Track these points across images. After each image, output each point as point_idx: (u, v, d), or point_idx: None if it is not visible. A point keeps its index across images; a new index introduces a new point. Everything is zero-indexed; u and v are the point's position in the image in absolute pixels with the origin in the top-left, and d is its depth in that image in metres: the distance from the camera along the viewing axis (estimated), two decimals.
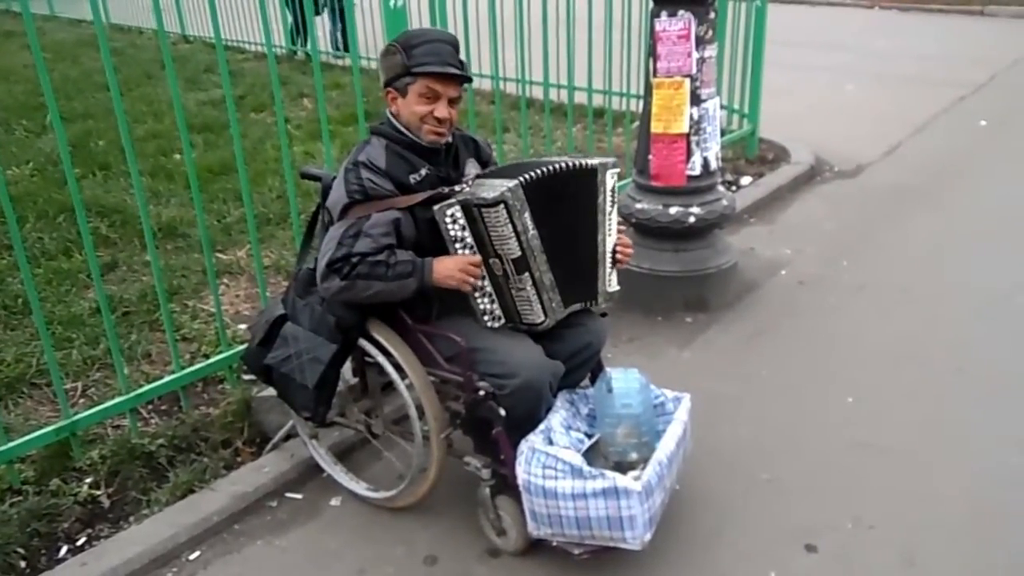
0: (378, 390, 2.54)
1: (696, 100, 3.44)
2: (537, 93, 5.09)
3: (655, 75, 3.46)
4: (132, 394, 2.74)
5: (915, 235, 4.50)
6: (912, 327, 3.50)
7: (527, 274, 2.19)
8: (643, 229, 3.66)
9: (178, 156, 5.72)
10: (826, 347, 3.38)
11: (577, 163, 2.26)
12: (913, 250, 4.30)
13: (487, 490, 2.30)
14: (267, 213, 4.66)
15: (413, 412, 2.28)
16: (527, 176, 2.15)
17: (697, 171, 3.52)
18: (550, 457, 2.12)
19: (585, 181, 2.28)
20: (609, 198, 2.33)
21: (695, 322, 3.58)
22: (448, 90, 2.22)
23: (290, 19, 9.50)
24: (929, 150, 6.06)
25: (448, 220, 2.17)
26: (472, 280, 2.17)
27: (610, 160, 2.34)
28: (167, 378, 2.87)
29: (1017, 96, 7.61)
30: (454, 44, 2.28)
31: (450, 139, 2.33)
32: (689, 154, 3.49)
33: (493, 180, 2.21)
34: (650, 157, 3.55)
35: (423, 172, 2.24)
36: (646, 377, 2.39)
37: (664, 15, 3.37)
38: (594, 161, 2.30)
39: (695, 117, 3.45)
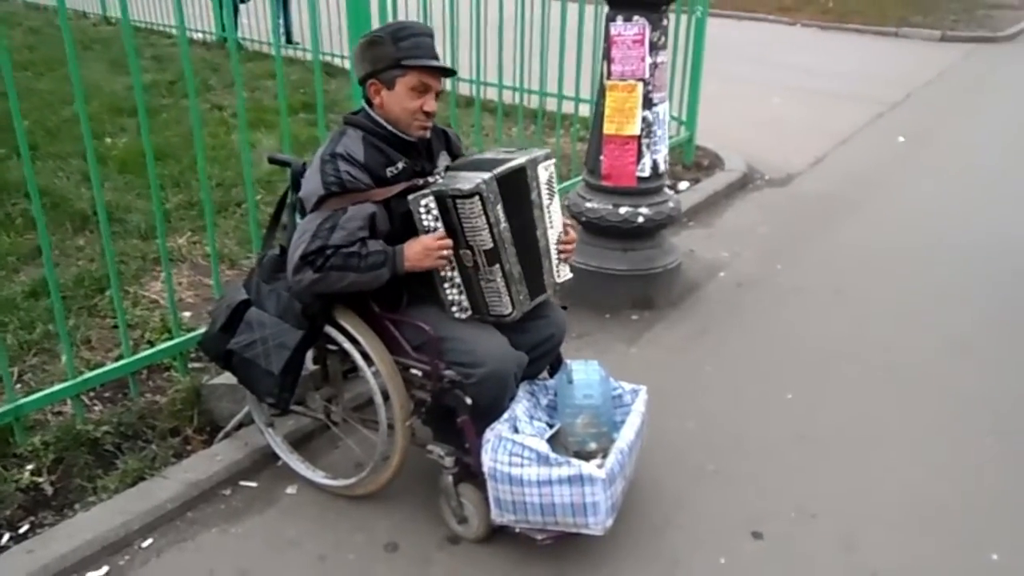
0: (339, 377, 2.53)
1: (648, 104, 3.53)
2: (489, 94, 5.13)
3: (609, 78, 3.54)
4: (79, 379, 2.66)
5: (844, 241, 4.73)
6: (845, 327, 3.69)
7: (498, 266, 2.23)
8: (593, 228, 3.74)
9: (109, 140, 5.54)
10: (765, 346, 3.52)
11: (534, 155, 2.30)
12: (843, 255, 4.52)
13: (450, 478, 2.33)
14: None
15: (379, 399, 2.29)
16: (500, 169, 2.19)
17: (647, 173, 3.62)
18: (517, 445, 2.17)
19: (526, 175, 2.31)
20: (545, 191, 2.36)
21: (642, 319, 3.68)
22: (436, 84, 2.25)
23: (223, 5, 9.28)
24: (853, 162, 6.35)
25: (422, 210, 2.19)
26: (445, 255, 2.19)
27: (540, 153, 2.34)
28: (116, 363, 2.79)
29: (931, 115, 8.03)
30: (432, 36, 2.31)
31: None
32: (640, 156, 3.59)
33: (466, 172, 2.24)
34: (601, 158, 3.63)
35: (400, 165, 2.25)
36: (606, 369, 2.46)
37: (619, 19, 3.45)
38: (537, 153, 2.33)
39: (647, 120, 3.55)
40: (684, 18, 5.49)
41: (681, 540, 2.40)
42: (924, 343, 3.56)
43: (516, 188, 2.25)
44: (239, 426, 2.75)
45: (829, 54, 11.55)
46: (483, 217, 2.16)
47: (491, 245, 2.20)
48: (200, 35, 9.51)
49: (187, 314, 3.46)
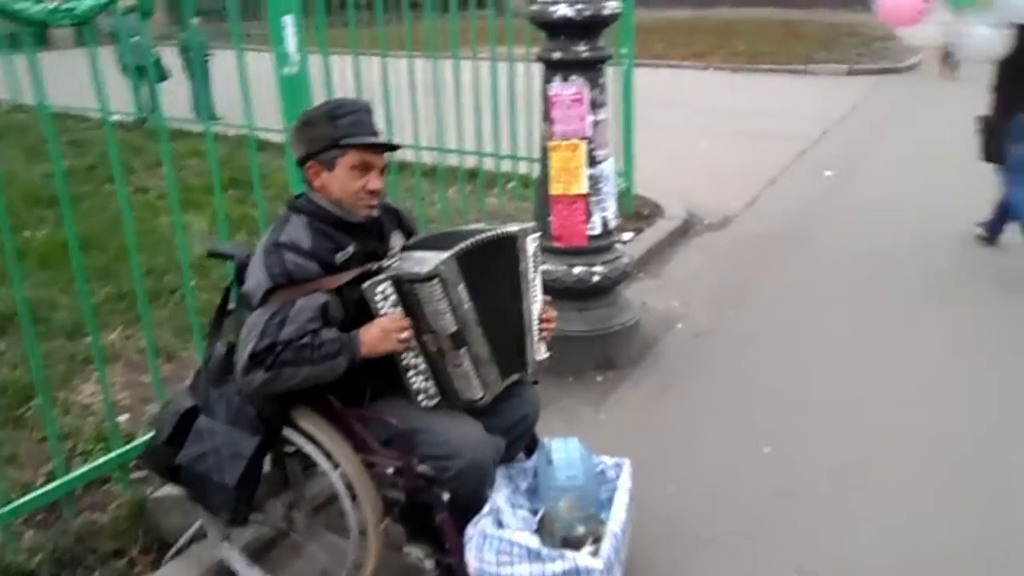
0: (300, 480, 2.34)
1: (593, 161, 3.48)
2: (420, 157, 5.05)
3: (551, 138, 3.49)
4: (8, 507, 2.41)
5: (791, 281, 4.75)
6: (807, 371, 3.65)
7: (464, 349, 2.10)
8: (547, 290, 3.61)
9: (28, 232, 5.25)
10: (732, 398, 3.45)
11: (503, 230, 2.21)
12: (792, 297, 4.52)
13: None
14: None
15: (347, 503, 2.11)
16: (459, 247, 2.07)
17: (597, 230, 3.56)
18: (504, 542, 2.02)
19: (508, 248, 2.23)
20: (531, 264, 2.29)
21: (605, 380, 3.58)
22: (379, 161, 2.13)
23: (140, 85, 9.07)
24: (786, 201, 6.45)
25: (379, 297, 2.05)
26: (405, 337, 2.05)
27: (529, 225, 2.30)
28: (50, 485, 2.54)
29: (852, 148, 8.26)
30: (371, 112, 2.20)
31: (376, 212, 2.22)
32: (589, 214, 3.52)
33: (421, 253, 2.13)
34: (550, 218, 3.55)
35: (350, 249, 2.12)
36: (585, 445, 2.33)
37: (557, 80, 3.41)
38: (514, 228, 2.26)
39: (593, 177, 3.49)
40: (611, 70, 5.51)
41: None
42: (889, 382, 3.53)
43: (482, 266, 2.13)
44: (191, 541, 2.52)
45: (745, 95, 11.87)
46: (445, 300, 2.03)
47: (455, 328, 2.07)
48: (117, 116, 9.23)
49: (124, 418, 3.22)
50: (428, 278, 2.00)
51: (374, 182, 2.13)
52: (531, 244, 2.28)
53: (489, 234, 2.16)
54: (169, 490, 2.64)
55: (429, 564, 2.15)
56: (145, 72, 8.82)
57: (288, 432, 2.13)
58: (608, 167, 3.57)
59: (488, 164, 5.38)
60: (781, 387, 3.52)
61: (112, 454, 2.67)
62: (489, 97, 4.91)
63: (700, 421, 3.27)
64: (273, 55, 2.93)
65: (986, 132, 4.80)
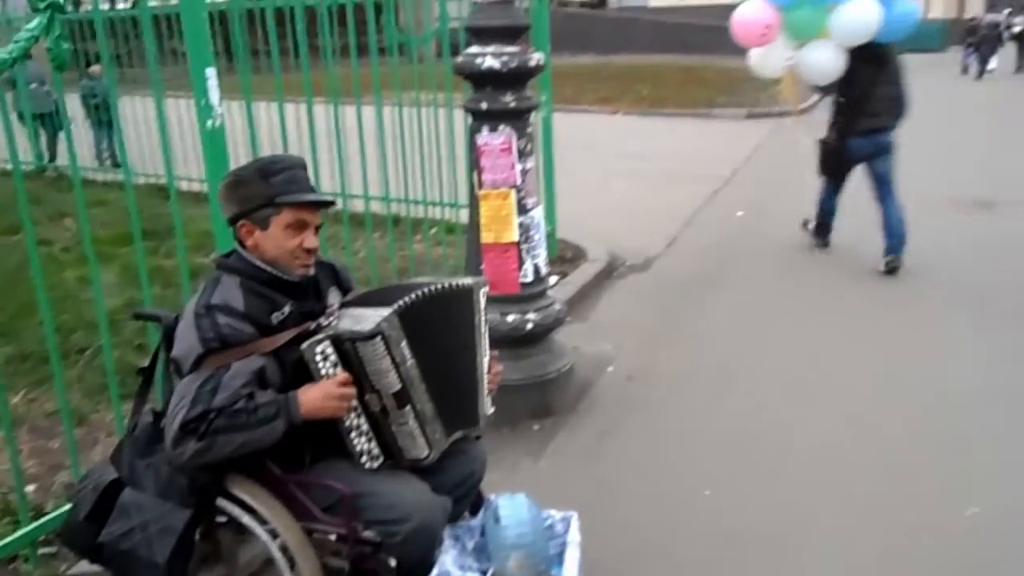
0: (234, 552, 2.21)
1: (523, 209, 3.48)
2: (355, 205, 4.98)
3: (481, 187, 3.47)
4: None
5: (716, 319, 4.85)
6: (741, 409, 3.70)
7: (408, 407, 2.03)
8: None
9: None
10: (669, 441, 3.46)
11: (451, 283, 2.17)
12: (719, 335, 4.61)
13: None
14: (42, 351, 4.06)
15: (287, 575, 2.00)
16: (401, 303, 2.02)
17: (530, 278, 3.55)
18: None
19: (460, 302, 2.19)
20: (483, 318, 2.25)
21: (542, 429, 3.54)
22: (314, 218, 2.06)
23: (40, 134, 8.70)
24: (703, 240, 6.62)
25: (318, 358, 1.97)
26: (346, 404, 1.97)
27: (481, 279, 2.28)
28: None
29: (760, 187, 8.58)
30: (306, 167, 2.13)
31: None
32: (521, 262, 3.51)
33: (361, 309, 2.06)
34: (482, 267, 3.52)
35: (286, 309, 2.03)
36: (533, 500, 2.28)
37: (485, 130, 3.41)
38: (468, 281, 2.23)
39: (524, 225, 3.49)
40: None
41: None
42: (822, 418, 3.61)
43: (425, 321, 2.07)
44: None
45: (654, 138, 12.23)
46: (388, 358, 1.97)
47: (399, 386, 2.00)
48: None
49: (31, 488, 3.00)
50: (370, 336, 1.94)
51: (310, 240, 2.06)
52: (483, 297, 2.24)
53: (431, 288, 2.11)
54: (86, 567, 2.47)
55: None
56: (46, 120, 8.48)
57: (222, 502, 2.01)
58: (538, 214, 3.57)
59: (411, 210, 5.35)
60: (716, 427, 3.55)
61: (21, 530, 2.47)
62: (403, 143, 4.92)
63: (640, 466, 3.26)
64: (195, 107, 2.84)
65: (823, 152, 5.67)
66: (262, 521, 2.00)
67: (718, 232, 6.88)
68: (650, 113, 15.34)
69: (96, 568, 2.33)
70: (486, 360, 2.28)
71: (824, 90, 5.71)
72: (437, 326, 2.11)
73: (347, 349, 1.96)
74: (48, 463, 3.21)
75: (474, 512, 2.38)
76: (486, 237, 3.50)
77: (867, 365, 4.14)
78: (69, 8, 2.28)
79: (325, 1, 4.26)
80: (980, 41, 23.12)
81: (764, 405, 3.73)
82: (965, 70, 23.82)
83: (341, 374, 1.96)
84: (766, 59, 5.55)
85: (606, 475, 3.20)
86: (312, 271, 2.12)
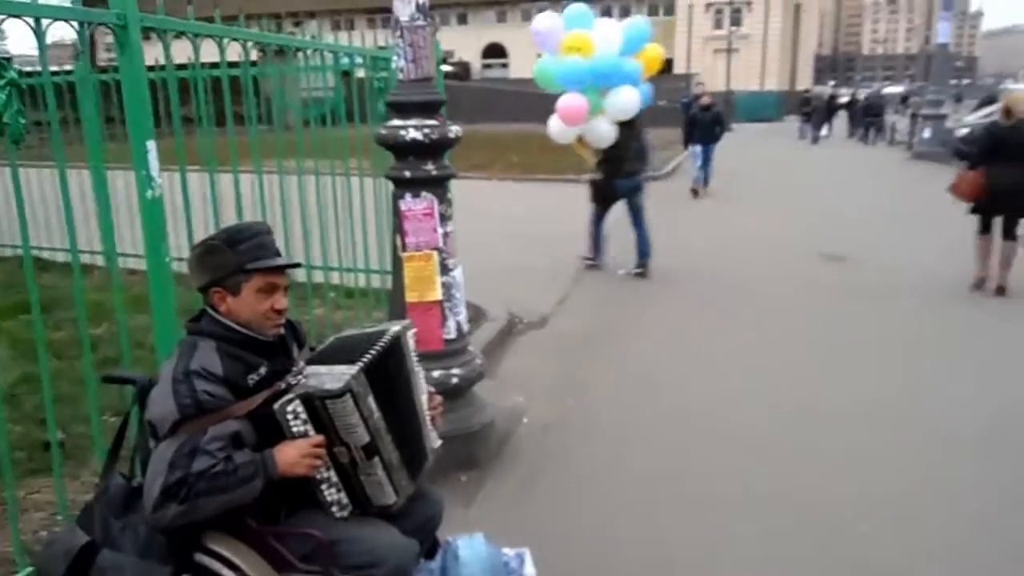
0: None
1: (445, 270, 3.69)
2: None
3: (404, 250, 3.66)
4: None
5: (614, 372, 5.18)
6: (652, 455, 3.98)
7: (376, 458, 2.16)
8: None
9: None
10: (589, 482, 3.70)
11: (391, 332, 2.33)
12: (619, 384, 4.95)
13: None
14: None
15: None
16: (365, 360, 2.16)
17: (452, 334, 3.74)
18: None
19: (401, 348, 2.35)
20: (414, 358, 2.41)
21: (470, 480, 3.69)
22: (283, 280, 2.20)
23: None
24: (591, 298, 7.03)
25: (290, 416, 2.07)
26: (319, 463, 2.09)
27: (406, 322, 2.46)
28: None
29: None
30: (271, 232, 2.27)
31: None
32: (444, 319, 3.70)
33: (326, 368, 2.18)
34: None
35: (262, 371, 2.14)
36: (489, 540, 2.44)
37: (408, 196, 3.62)
38: (397, 326, 2.40)
39: (446, 285, 3.69)
40: None
41: None
42: (729, 452, 3.96)
43: (384, 370, 2.23)
44: None
45: (530, 202, 12.75)
46: (356, 414, 2.10)
47: (368, 439, 2.13)
48: None
49: None
50: (340, 394, 2.06)
51: (280, 301, 2.19)
52: (411, 340, 2.41)
53: (384, 341, 2.27)
54: None
55: None
56: None
57: (201, 557, 2.06)
58: (459, 275, 3.79)
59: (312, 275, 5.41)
60: (631, 472, 3.81)
61: None
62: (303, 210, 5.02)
63: (565, 507, 3.47)
64: (136, 178, 2.90)
65: (594, 189, 8.10)
66: (242, 574, 2.06)
67: (604, 291, 7.32)
68: (522, 179, 15.93)
69: None
70: (424, 397, 2.44)
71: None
72: (393, 376, 2.28)
73: (317, 407, 2.08)
74: None
75: (430, 556, 2.50)
76: (410, 296, 3.67)
77: (760, 391, 4.56)
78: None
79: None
80: (812, 111, 26.10)
81: (670, 455, 4.00)
82: (802, 135, 26.63)
83: (315, 436, 2.07)
84: (563, 131, 7.36)
85: (535, 518, 3.38)
86: (283, 331, 2.24)
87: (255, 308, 2.14)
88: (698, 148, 13.55)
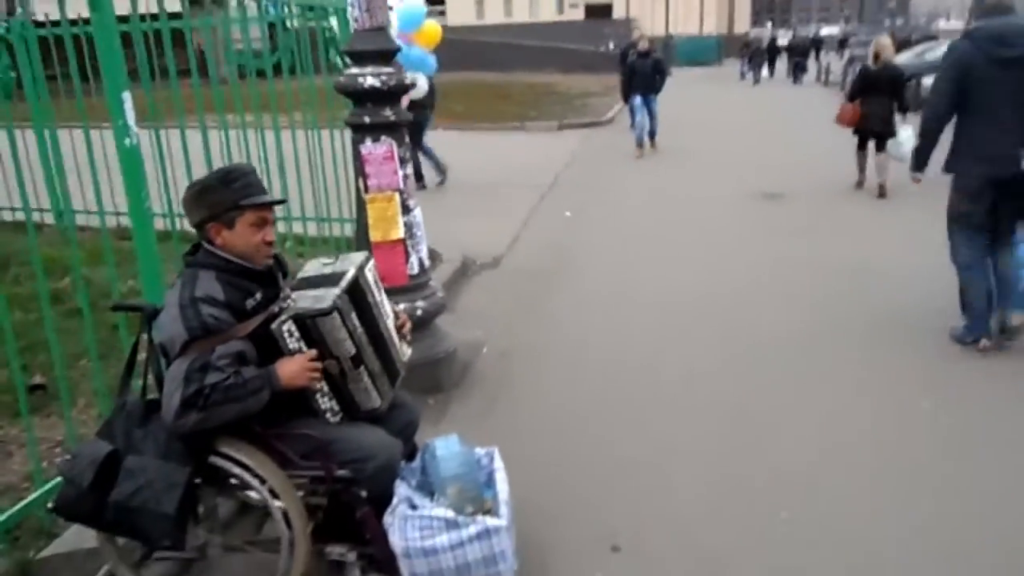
0: (214, 506, 2.54)
1: (406, 210, 3.95)
2: None
3: (367, 192, 3.91)
4: None
5: (563, 304, 5.55)
6: (600, 371, 4.36)
7: (363, 367, 2.46)
8: None
9: None
10: (549, 399, 4.06)
11: (357, 260, 2.62)
12: (567, 314, 5.31)
13: (357, 571, 2.46)
14: None
15: (279, 516, 2.36)
16: (345, 282, 2.45)
17: (416, 270, 4.02)
18: (424, 518, 2.40)
19: (364, 277, 2.63)
20: (375, 289, 2.69)
21: (437, 403, 4.01)
22: (271, 215, 2.45)
23: None
24: (541, 239, 7.34)
25: (286, 335, 2.36)
26: (316, 375, 2.38)
27: (360, 258, 2.70)
28: None
29: (580, 191, 9.47)
30: (257, 173, 2.52)
31: None
32: (407, 256, 3.97)
33: (311, 291, 2.46)
34: None
35: (258, 296, 2.40)
36: (462, 440, 2.77)
37: (368, 141, 3.85)
38: (359, 255, 2.71)
39: (408, 224, 3.96)
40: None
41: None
42: (666, 368, 4.36)
43: (360, 293, 2.52)
44: None
45: (475, 151, 12.88)
46: (343, 329, 2.39)
47: (354, 351, 2.43)
48: None
49: None
50: (328, 312, 2.36)
51: (270, 234, 2.45)
52: (370, 274, 2.68)
53: (353, 269, 2.55)
54: (55, 549, 2.69)
55: (352, 556, 2.46)
56: None
57: (214, 459, 2.35)
58: (419, 214, 4.05)
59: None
60: (583, 384, 4.20)
61: None
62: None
63: (529, 422, 3.82)
64: (113, 128, 3.08)
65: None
66: (253, 473, 2.35)
67: (551, 231, 7.63)
68: (467, 128, 16.02)
69: (64, 549, 2.60)
70: (391, 320, 2.72)
71: None
72: (366, 296, 2.57)
73: (308, 324, 2.37)
74: None
75: (410, 459, 2.82)
76: (374, 236, 3.93)
77: (702, 336, 4.96)
78: None
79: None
80: (753, 54, 27.13)
81: (617, 365, 4.42)
82: (743, 77, 27.76)
83: (310, 351, 2.36)
84: None
85: (501, 431, 3.70)
86: (271, 261, 2.51)
87: (248, 240, 2.40)
88: (638, 100, 12.03)
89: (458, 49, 31.95)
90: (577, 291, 5.82)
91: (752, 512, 3.08)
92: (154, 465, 2.26)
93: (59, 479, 2.82)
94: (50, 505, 2.35)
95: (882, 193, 8.48)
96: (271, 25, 5.33)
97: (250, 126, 4.70)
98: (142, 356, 2.47)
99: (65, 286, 5.50)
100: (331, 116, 5.40)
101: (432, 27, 7.63)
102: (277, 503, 2.36)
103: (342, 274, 2.51)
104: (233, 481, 2.44)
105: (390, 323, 2.70)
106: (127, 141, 3.11)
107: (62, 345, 3.27)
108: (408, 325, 2.81)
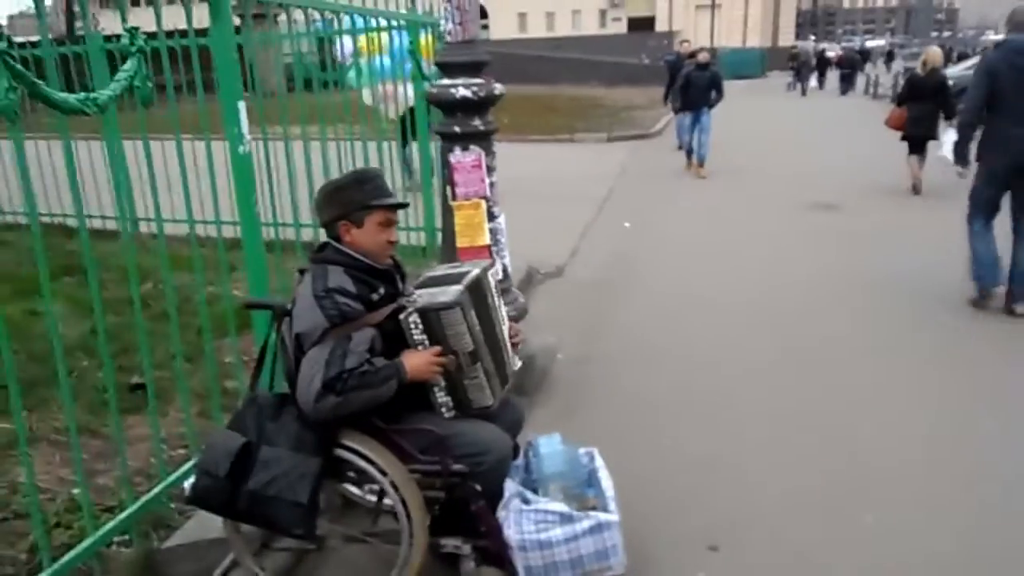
0: (334, 498, 2.65)
1: (491, 217, 4.06)
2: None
3: (455, 199, 4.02)
4: None
5: (633, 314, 5.61)
6: (677, 384, 4.41)
7: (479, 364, 2.56)
8: None
9: None
10: (629, 405, 4.13)
11: (478, 269, 2.73)
12: (640, 325, 5.36)
13: (471, 563, 2.55)
14: (26, 378, 4.22)
15: (400, 509, 2.45)
16: (467, 281, 2.56)
17: (500, 276, 4.11)
18: (539, 512, 2.48)
19: (486, 281, 2.74)
20: (497, 293, 2.80)
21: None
22: (396, 217, 2.57)
23: None
24: (602, 250, 7.42)
25: (412, 326, 2.48)
26: (440, 370, 2.48)
27: (488, 262, 2.84)
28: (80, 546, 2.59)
29: (636, 201, 9.54)
30: (384, 177, 2.65)
31: None
32: (492, 262, 4.07)
33: (434, 288, 2.58)
34: None
35: (381, 291, 2.52)
36: (565, 439, 2.85)
37: (457, 150, 3.97)
38: (485, 263, 2.80)
39: (493, 231, 4.07)
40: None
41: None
42: (738, 377, 4.40)
43: (480, 294, 2.63)
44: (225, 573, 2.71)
45: (527, 163, 12.95)
46: (464, 324, 2.50)
47: (472, 347, 2.53)
48: None
49: (76, 491, 3.24)
50: (451, 306, 2.47)
51: (393, 234, 2.58)
52: (493, 278, 2.79)
53: (476, 271, 2.67)
54: (178, 540, 2.82)
55: (466, 549, 2.54)
56: None
57: (340, 452, 2.46)
58: (503, 221, 4.16)
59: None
60: (660, 391, 4.27)
61: (129, 509, 2.75)
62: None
63: (611, 426, 3.88)
64: (227, 135, 3.22)
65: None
66: (376, 466, 2.45)
67: (613, 242, 7.70)
68: (516, 140, 16.13)
69: (185, 539, 2.73)
70: (506, 327, 2.83)
71: None
72: (486, 298, 2.67)
73: (432, 318, 2.48)
74: (84, 469, 3.44)
75: (514, 457, 2.91)
76: (461, 242, 4.05)
77: (770, 346, 4.99)
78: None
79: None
80: (800, 66, 27.58)
81: (688, 371, 4.49)
82: (790, 88, 28.40)
83: (435, 347, 2.47)
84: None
85: (584, 434, 3.77)
86: (391, 261, 2.62)
87: (375, 239, 2.52)
88: (687, 120, 11.51)
89: (501, 63, 32.32)
90: (642, 300, 5.90)
91: (838, 510, 3.12)
92: (287, 456, 2.37)
93: (179, 472, 2.99)
94: (187, 495, 2.48)
95: (916, 190, 9.30)
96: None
97: (331, 138, 4.87)
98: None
99: (147, 291, 5.69)
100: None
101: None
102: (396, 496, 2.46)
103: (465, 273, 2.63)
104: (351, 474, 2.57)
105: (505, 329, 2.80)
106: (241, 149, 3.25)
107: (152, 347, 3.40)
108: (520, 336, 2.91)
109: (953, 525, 3.03)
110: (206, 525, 2.85)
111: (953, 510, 3.13)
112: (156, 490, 2.88)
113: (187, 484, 3.00)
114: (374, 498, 2.74)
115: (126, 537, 2.92)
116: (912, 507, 3.15)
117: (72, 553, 2.52)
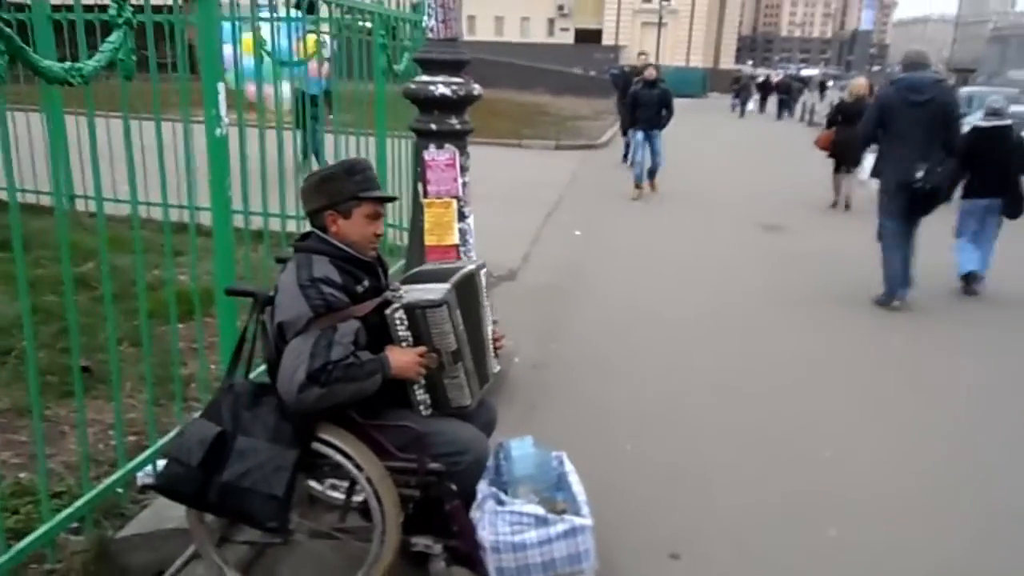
0: (304, 493, 2.60)
1: (461, 217, 4.05)
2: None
3: (426, 196, 4.00)
4: None
5: (584, 319, 5.69)
6: (632, 393, 4.47)
7: (460, 363, 2.55)
8: None
9: None
10: (586, 410, 4.18)
11: (468, 267, 2.72)
12: (593, 332, 5.42)
13: (442, 563, 2.54)
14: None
15: (375, 505, 2.43)
16: (455, 279, 2.55)
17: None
18: (514, 514, 2.48)
19: (477, 280, 2.75)
20: (480, 292, 2.81)
21: None
22: (383, 210, 2.54)
23: None
24: (553, 256, 7.49)
25: (398, 322, 2.45)
26: (423, 370, 2.46)
27: (481, 262, 2.83)
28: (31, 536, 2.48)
29: (586, 209, 9.68)
30: (374, 169, 2.62)
31: None
32: None
33: (422, 286, 2.57)
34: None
35: (366, 283, 2.49)
36: (536, 442, 2.86)
37: (432, 147, 3.95)
38: (475, 264, 2.79)
39: (462, 230, 4.05)
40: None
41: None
42: (696, 386, 4.50)
43: (466, 294, 2.62)
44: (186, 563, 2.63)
45: (476, 166, 13.01)
46: (449, 323, 2.49)
47: (455, 346, 2.52)
48: None
49: (24, 475, 3.12)
50: (438, 304, 2.45)
51: (380, 227, 2.55)
52: (483, 279, 2.80)
53: (466, 270, 2.67)
54: (133, 529, 2.73)
55: (437, 549, 2.53)
56: None
57: (317, 446, 2.41)
58: (472, 222, 4.15)
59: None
60: (618, 397, 4.33)
61: (84, 498, 2.64)
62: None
63: (568, 430, 3.89)
64: (205, 117, 3.13)
65: None
66: (351, 459, 2.42)
67: (563, 248, 7.78)
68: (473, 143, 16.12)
69: (141, 528, 2.65)
70: (490, 328, 2.84)
71: None
72: (471, 299, 2.67)
73: (417, 315, 2.46)
74: (27, 452, 3.31)
75: None
76: (429, 240, 4.02)
77: (723, 348, 5.11)
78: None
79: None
80: (741, 88, 29.34)
81: (646, 383, 4.56)
82: (733, 109, 30.28)
83: (421, 348, 2.45)
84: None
85: (545, 439, 3.79)
86: (376, 253, 2.59)
87: (362, 231, 2.49)
88: (639, 136, 10.90)
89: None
90: (594, 309, 5.97)
91: (798, 522, 3.22)
92: (264, 447, 2.31)
93: (139, 459, 2.89)
94: (151, 483, 2.40)
95: (847, 206, 10.37)
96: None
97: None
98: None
99: (86, 270, 5.48)
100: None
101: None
102: (372, 492, 2.43)
103: (454, 271, 2.62)
104: (326, 469, 2.52)
105: (488, 331, 2.79)
106: (217, 131, 3.16)
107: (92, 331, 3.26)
108: (503, 340, 2.91)
109: (916, 535, 3.15)
110: (162, 515, 2.77)
111: (916, 521, 3.27)
112: (115, 476, 2.77)
113: (143, 472, 2.93)
114: (341, 495, 2.71)
115: (75, 525, 2.81)
116: (870, 509, 3.30)
117: (29, 538, 2.41)
